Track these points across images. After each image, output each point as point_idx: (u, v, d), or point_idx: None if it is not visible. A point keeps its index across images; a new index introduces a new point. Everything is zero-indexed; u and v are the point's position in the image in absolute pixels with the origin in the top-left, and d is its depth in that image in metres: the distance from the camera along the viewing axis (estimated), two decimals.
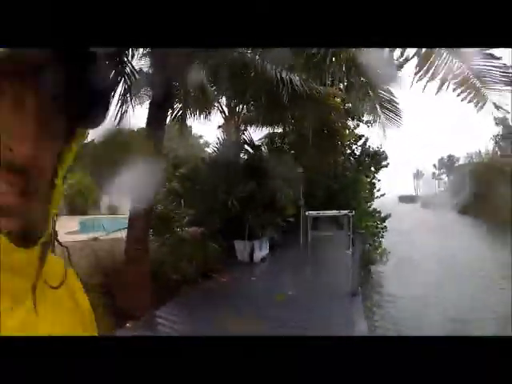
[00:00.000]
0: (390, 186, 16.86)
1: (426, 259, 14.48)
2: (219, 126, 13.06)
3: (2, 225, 0.41)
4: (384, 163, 16.27)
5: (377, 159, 16.06)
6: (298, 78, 5.98)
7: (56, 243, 0.50)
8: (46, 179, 0.46)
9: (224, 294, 7.30)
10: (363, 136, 15.77)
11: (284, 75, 5.76)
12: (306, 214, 12.18)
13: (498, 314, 8.56)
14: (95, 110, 0.50)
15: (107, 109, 0.51)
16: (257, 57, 5.42)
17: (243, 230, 9.70)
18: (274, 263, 10.37)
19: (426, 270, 12.60)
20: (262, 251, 10.32)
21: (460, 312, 8.77)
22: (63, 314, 0.53)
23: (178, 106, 9.24)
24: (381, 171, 16.50)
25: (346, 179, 13.89)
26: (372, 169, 16.17)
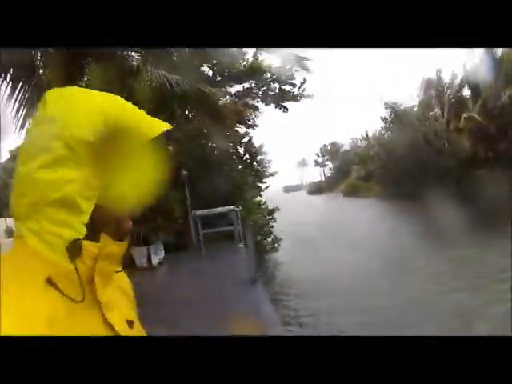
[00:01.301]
0: (274, 178, 18.42)
1: (318, 240, 15.96)
2: None
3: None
4: (263, 157, 17.33)
5: (259, 156, 17.03)
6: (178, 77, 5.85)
7: None
8: None
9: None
10: (247, 134, 16.45)
11: (170, 77, 5.66)
12: (193, 213, 12.50)
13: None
14: None
15: None
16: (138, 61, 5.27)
17: (137, 236, 9.89)
18: (172, 265, 10.70)
19: (319, 250, 14.04)
20: (158, 255, 10.70)
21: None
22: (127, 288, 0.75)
23: None
24: (263, 165, 17.54)
25: (232, 177, 14.26)
26: (255, 164, 17.04)
